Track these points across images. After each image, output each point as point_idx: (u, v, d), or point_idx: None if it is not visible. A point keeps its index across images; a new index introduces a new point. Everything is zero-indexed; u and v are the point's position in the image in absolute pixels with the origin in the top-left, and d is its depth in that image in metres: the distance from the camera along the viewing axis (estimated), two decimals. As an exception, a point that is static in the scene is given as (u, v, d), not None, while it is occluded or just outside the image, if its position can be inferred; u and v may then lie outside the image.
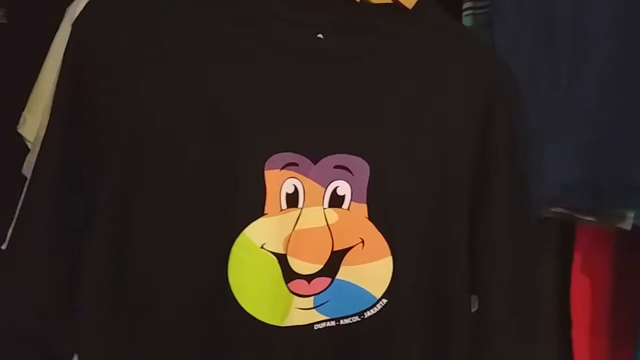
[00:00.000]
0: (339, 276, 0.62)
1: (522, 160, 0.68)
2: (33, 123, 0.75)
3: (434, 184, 0.63)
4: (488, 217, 0.66)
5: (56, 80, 0.58)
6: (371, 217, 0.62)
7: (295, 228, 0.60)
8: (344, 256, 0.62)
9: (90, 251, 0.57)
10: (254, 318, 0.59)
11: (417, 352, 0.64)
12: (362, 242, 0.62)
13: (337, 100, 0.61)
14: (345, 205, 0.62)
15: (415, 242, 0.63)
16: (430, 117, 0.63)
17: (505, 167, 0.66)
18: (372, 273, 0.62)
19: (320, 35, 0.62)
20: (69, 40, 0.57)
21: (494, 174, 0.66)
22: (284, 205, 0.60)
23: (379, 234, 0.62)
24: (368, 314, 0.63)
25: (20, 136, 0.77)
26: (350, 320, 0.62)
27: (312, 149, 0.60)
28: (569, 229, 1.07)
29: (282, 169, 0.59)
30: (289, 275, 0.60)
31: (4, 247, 0.65)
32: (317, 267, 0.61)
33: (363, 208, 0.62)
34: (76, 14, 0.72)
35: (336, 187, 0.61)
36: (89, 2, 0.58)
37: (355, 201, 0.62)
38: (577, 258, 1.10)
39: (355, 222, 0.62)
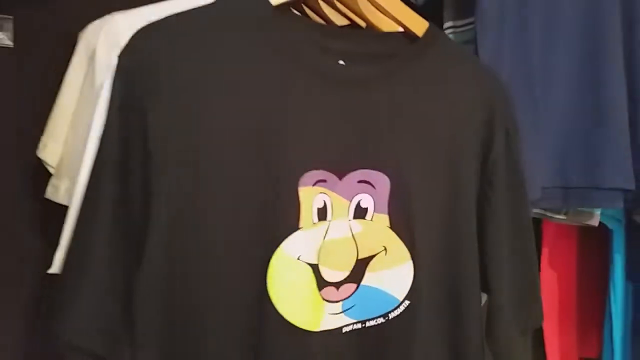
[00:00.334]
0: (363, 282, 0.67)
1: (519, 168, 0.75)
2: (55, 148, 0.76)
3: (447, 193, 0.70)
4: (492, 219, 0.72)
5: (106, 104, 0.60)
6: (392, 227, 0.67)
7: (325, 239, 0.65)
8: (368, 263, 0.67)
9: (144, 269, 0.60)
10: (293, 325, 0.64)
11: (436, 346, 0.70)
12: (385, 249, 0.68)
13: (358, 121, 0.66)
14: (368, 217, 0.67)
15: (432, 247, 0.69)
16: (441, 133, 0.70)
17: (505, 175, 0.73)
18: (394, 277, 0.68)
19: (341, 62, 0.67)
20: (116, 70, 0.60)
21: (496, 181, 0.72)
22: (316, 219, 0.65)
23: (399, 241, 0.68)
24: (392, 315, 0.68)
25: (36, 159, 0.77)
26: (375, 322, 0.68)
27: (337, 166, 0.65)
28: (535, 227, 1.15)
29: (313, 185, 0.64)
30: (321, 283, 0.65)
31: (52, 271, 0.66)
32: (345, 275, 0.66)
33: (385, 218, 0.67)
34: (91, 40, 0.75)
35: (360, 200, 0.66)
36: (135, 33, 0.61)
37: (378, 212, 0.67)
38: (545, 252, 1.18)
39: (377, 232, 0.67)
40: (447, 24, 0.99)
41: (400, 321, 0.68)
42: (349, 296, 0.67)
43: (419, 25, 0.72)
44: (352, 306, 0.67)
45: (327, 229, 0.65)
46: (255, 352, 0.63)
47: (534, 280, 0.77)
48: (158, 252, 0.60)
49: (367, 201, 0.66)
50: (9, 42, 0.84)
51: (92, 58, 0.72)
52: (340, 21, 0.79)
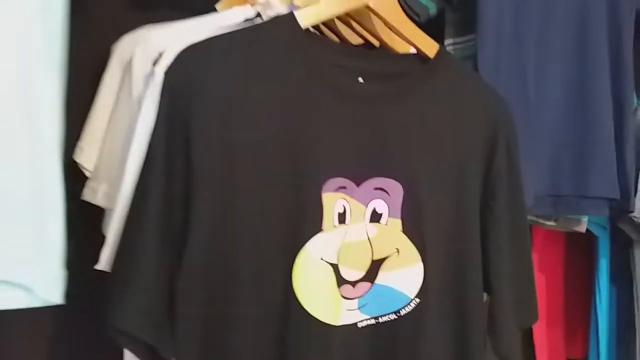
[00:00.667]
0: (377, 281, 0.74)
1: (518, 180, 0.82)
2: (92, 154, 0.80)
3: (453, 201, 0.76)
4: (494, 226, 0.79)
5: (150, 114, 0.66)
6: (405, 230, 0.74)
7: (344, 241, 0.72)
8: (382, 264, 0.74)
9: (184, 269, 0.66)
10: (316, 319, 0.70)
11: (443, 340, 0.76)
12: (397, 251, 0.74)
13: (374, 134, 0.73)
14: (383, 221, 0.73)
15: (441, 250, 0.76)
16: (449, 146, 0.76)
17: (506, 186, 0.80)
18: (405, 277, 0.74)
19: (360, 79, 0.74)
20: (163, 85, 0.67)
21: (498, 192, 0.79)
22: (336, 222, 0.71)
23: (411, 244, 0.74)
24: (403, 311, 0.75)
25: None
26: (388, 318, 0.74)
27: (356, 174, 0.72)
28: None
29: (334, 191, 0.71)
30: (340, 281, 0.72)
31: (99, 267, 0.71)
32: (361, 274, 0.73)
33: (398, 223, 0.74)
34: (125, 51, 0.80)
35: (375, 206, 0.73)
36: (181, 53, 0.68)
37: (392, 217, 0.74)
38: (534, 257, 1.24)
39: (391, 235, 0.74)
40: (448, 41, 1.06)
41: (410, 318, 0.74)
42: (364, 294, 0.73)
43: (430, 46, 0.78)
44: (367, 303, 0.73)
45: (346, 231, 0.71)
46: (282, 343, 0.69)
47: (531, 281, 0.84)
48: (197, 252, 0.66)
49: (382, 207, 0.73)
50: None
51: (127, 68, 0.78)
52: (354, 39, 0.86)
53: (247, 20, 0.78)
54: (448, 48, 1.05)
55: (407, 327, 0.74)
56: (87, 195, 0.81)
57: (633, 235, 1.14)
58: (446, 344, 0.76)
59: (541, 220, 1.11)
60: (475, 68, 0.94)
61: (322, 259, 0.70)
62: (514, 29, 0.97)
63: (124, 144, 0.72)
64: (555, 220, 1.12)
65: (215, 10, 0.89)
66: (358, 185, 0.72)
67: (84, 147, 0.82)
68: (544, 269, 1.26)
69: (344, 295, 0.72)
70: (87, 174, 0.82)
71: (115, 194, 0.71)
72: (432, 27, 0.92)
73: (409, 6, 0.92)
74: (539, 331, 1.26)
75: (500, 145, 0.79)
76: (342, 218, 0.71)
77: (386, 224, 0.73)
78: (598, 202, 1.05)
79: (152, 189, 0.66)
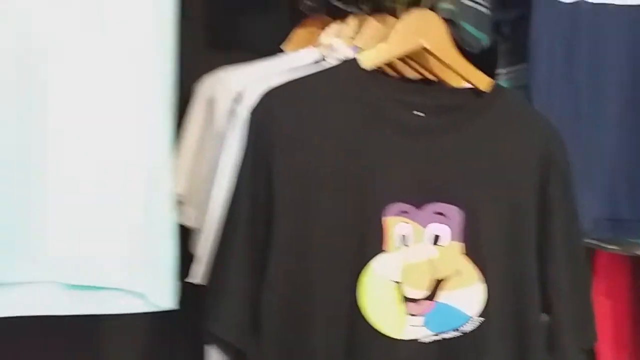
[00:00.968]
0: (439, 299, 0.79)
1: (573, 203, 0.87)
2: (181, 180, 0.88)
3: (510, 225, 0.81)
4: (551, 249, 0.83)
5: (235, 146, 0.77)
6: (466, 253, 0.80)
7: (407, 262, 0.78)
8: (443, 283, 0.79)
9: (267, 284, 0.75)
10: (381, 333, 0.77)
11: (505, 358, 0.81)
12: (458, 272, 0.80)
13: (433, 163, 0.80)
14: (444, 243, 0.79)
15: (501, 271, 0.81)
16: (505, 174, 0.82)
17: (560, 210, 0.84)
18: (466, 297, 0.79)
19: (417, 113, 0.82)
20: (250, 122, 0.77)
21: (554, 215, 0.84)
22: (398, 244, 0.78)
23: (471, 265, 0.80)
24: (464, 329, 0.80)
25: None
26: (451, 334, 0.80)
27: (417, 199, 0.79)
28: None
29: (395, 215, 0.78)
30: (403, 298, 0.78)
31: (191, 280, 0.80)
32: (423, 292, 0.79)
33: (458, 245, 0.80)
34: (207, 90, 0.90)
35: (436, 229, 0.79)
36: (264, 95, 0.77)
37: (452, 240, 0.80)
38: (597, 280, 1.25)
39: (452, 257, 0.80)
40: (500, 70, 1.11)
41: (473, 335, 0.79)
42: (426, 311, 0.79)
43: (483, 81, 0.85)
44: (430, 320, 0.79)
45: (408, 252, 0.78)
46: (350, 355, 0.76)
47: (588, 303, 0.88)
48: (277, 269, 0.75)
49: (442, 230, 0.79)
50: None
51: (209, 105, 0.88)
52: (411, 73, 0.92)
53: (315, 62, 0.87)
54: (501, 77, 1.10)
55: (470, 344, 0.79)
56: (179, 217, 0.91)
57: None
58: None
59: (603, 244, 1.12)
60: (528, 96, 0.98)
61: (385, 277, 0.77)
62: (566, 55, 1.01)
63: (209, 173, 0.81)
64: (618, 245, 1.13)
65: (280, 50, 0.98)
66: (419, 209, 0.79)
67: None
68: (609, 294, 1.26)
69: (408, 312, 0.78)
70: (178, 198, 0.92)
71: (203, 217, 0.79)
72: (486, 58, 0.97)
73: (462, 38, 0.99)
74: (605, 357, 1.26)
75: (553, 171, 0.84)
76: (403, 240, 0.78)
77: (446, 246, 0.79)
78: (656, 227, 1.06)
79: (240, 214, 0.76)
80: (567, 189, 0.85)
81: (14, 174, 0.68)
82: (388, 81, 0.85)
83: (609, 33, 1.02)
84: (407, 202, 0.78)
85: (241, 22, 1.06)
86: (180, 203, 0.91)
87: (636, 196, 1.04)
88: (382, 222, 0.77)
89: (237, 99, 0.82)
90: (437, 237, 0.79)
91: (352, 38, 0.89)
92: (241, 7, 1.06)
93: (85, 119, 0.70)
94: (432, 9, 0.88)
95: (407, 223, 0.78)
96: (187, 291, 0.78)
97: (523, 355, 0.81)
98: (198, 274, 0.80)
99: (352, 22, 0.92)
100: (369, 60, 0.81)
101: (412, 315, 0.78)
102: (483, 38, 1.02)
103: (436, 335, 0.79)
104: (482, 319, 0.79)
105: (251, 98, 0.79)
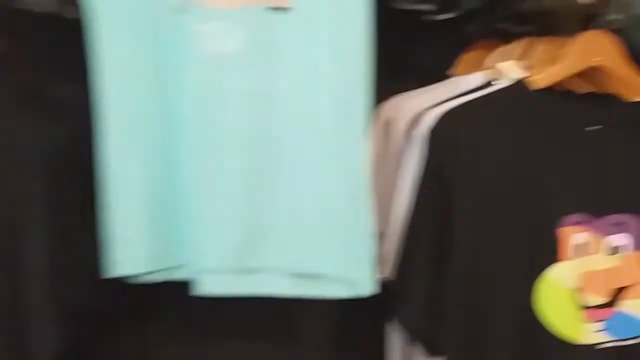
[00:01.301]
0: (619, 307, 0.82)
1: None
2: None
3: None
4: None
5: (420, 168, 0.85)
6: None
7: (585, 270, 0.82)
8: (624, 292, 0.82)
9: (449, 283, 0.82)
10: (561, 338, 0.81)
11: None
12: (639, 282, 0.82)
13: (608, 175, 0.83)
14: (623, 253, 0.82)
15: None
16: None
17: None
18: (647, 306, 0.82)
19: (591, 126, 0.85)
20: (430, 145, 0.84)
21: None
22: (575, 253, 0.82)
23: None
24: None
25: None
26: (629, 342, 0.82)
27: (594, 210, 0.82)
28: None
29: (572, 225, 0.82)
30: (582, 305, 0.82)
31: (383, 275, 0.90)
32: (602, 300, 0.82)
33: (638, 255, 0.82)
34: (384, 114, 1.00)
35: (616, 239, 0.82)
36: (442, 117, 0.84)
37: (631, 250, 0.83)
38: None
39: (632, 266, 0.82)
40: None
41: (652, 344, 0.81)
42: (606, 318, 0.82)
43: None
44: (610, 327, 0.82)
45: (587, 261, 0.82)
46: (531, 357, 0.81)
47: None
48: (459, 271, 0.82)
49: (622, 239, 0.82)
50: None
51: (386, 128, 0.97)
52: (583, 89, 0.95)
53: (484, 85, 0.92)
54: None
55: (650, 352, 0.81)
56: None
57: None
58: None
59: None
60: None
61: (561, 285, 0.81)
62: None
63: (386, 186, 0.91)
64: None
65: (446, 76, 1.05)
66: (598, 219, 0.82)
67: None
68: None
69: (587, 318, 0.81)
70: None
71: (382, 221, 0.89)
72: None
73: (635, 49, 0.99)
74: None
75: None
76: (581, 249, 0.82)
77: (627, 256, 0.82)
78: None
79: (422, 221, 0.84)
80: None
81: (252, 179, 0.82)
82: (560, 97, 0.88)
83: None
84: (584, 213, 0.82)
85: (409, 50, 1.15)
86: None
87: None
88: (559, 232, 0.81)
89: (414, 122, 0.91)
90: (615, 247, 0.82)
91: (520, 60, 0.93)
92: (410, 37, 1.14)
93: (304, 126, 0.82)
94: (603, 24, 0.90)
95: (584, 233, 0.82)
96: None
97: None
98: (382, 270, 0.88)
99: (519, 44, 0.96)
100: (540, 80, 0.85)
101: (591, 321, 0.81)
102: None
103: (615, 341, 0.82)
104: None
105: (427, 121, 0.86)
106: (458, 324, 0.81)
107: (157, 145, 0.83)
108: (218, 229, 0.83)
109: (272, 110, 0.83)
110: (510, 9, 0.99)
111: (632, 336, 0.82)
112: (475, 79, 0.95)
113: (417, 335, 0.86)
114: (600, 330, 0.82)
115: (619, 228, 0.82)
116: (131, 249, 0.82)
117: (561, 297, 0.81)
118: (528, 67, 0.91)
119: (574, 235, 0.82)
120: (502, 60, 0.94)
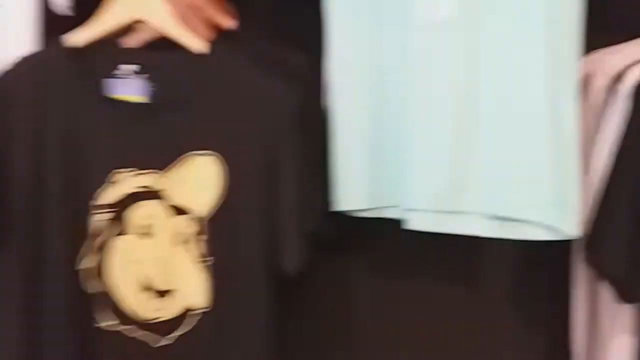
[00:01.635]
0: None
1: None
2: None
3: None
4: None
5: (623, 124, 0.90)
6: None
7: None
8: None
9: None
10: None
11: None
12: None
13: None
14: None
15: None
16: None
17: None
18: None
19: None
20: (635, 99, 0.88)
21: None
22: None
23: None
24: None
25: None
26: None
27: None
28: None
29: None
30: None
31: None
32: None
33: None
34: (583, 72, 1.03)
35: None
36: None
37: None
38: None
39: None
40: None
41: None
42: None
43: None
44: None
45: None
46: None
47: None
48: None
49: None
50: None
51: (585, 80, 0.99)
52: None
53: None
54: None
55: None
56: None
57: None
58: None
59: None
60: None
61: None
62: None
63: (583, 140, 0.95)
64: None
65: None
66: None
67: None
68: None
69: None
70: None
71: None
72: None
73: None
74: None
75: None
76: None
77: None
78: None
79: (625, 174, 0.89)
80: None
81: (461, 132, 0.91)
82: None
83: None
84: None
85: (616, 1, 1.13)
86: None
87: None
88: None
89: (617, 77, 0.94)
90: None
91: None
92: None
93: (513, 82, 0.89)
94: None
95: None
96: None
97: None
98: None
99: None
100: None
101: None
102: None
103: None
104: None
105: (632, 77, 0.90)
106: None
107: (377, 100, 0.95)
108: (428, 175, 0.93)
109: (482, 69, 0.90)
110: None
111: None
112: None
113: (614, 280, 0.91)
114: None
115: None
116: (354, 189, 0.97)
117: None
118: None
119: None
120: None
